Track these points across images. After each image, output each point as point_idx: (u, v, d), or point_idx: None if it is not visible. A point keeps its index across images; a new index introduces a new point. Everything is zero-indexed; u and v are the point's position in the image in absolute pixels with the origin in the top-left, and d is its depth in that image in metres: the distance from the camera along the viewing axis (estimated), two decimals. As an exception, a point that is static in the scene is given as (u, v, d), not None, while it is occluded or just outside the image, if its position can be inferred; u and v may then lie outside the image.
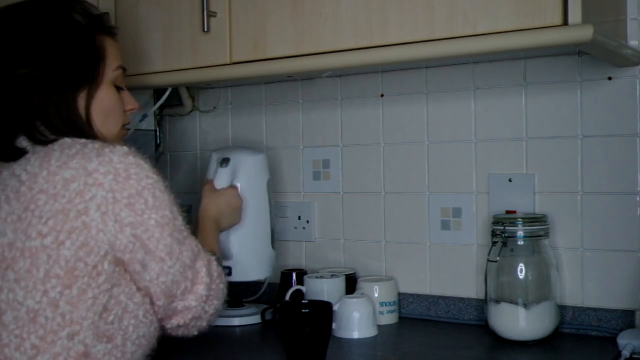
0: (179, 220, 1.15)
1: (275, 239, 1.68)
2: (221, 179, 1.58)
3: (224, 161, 1.60)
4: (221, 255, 1.44)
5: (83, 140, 1.12)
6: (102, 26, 1.22)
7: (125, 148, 1.11)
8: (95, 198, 1.06)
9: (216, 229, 1.49)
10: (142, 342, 1.16)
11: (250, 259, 1.62)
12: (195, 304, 1.19)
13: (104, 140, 1.18)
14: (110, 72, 1.22)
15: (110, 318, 1.09)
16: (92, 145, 1.10)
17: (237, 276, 1.60)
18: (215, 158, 1.65)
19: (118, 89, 1.24)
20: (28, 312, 1.05)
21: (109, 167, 1.07)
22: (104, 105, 1.20)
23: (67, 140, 1.12)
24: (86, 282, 1.06)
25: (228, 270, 1.56)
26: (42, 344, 1.04)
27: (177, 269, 1.14)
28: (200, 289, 1.19)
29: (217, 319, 1.31)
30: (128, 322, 1.12)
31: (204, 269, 1.20)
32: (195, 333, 1.25)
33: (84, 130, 1.16)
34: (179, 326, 1.21)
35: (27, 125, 1.14)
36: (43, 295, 1.05)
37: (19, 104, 1.13)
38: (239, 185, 1.59)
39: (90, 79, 1.18)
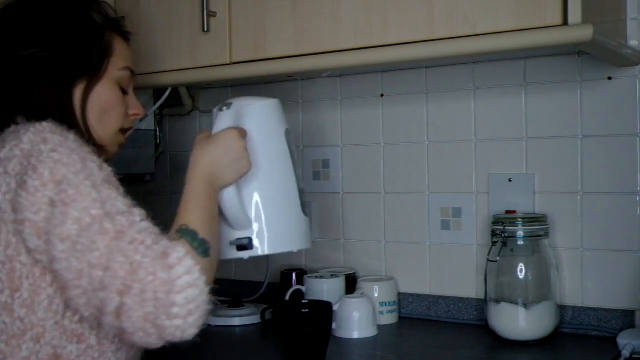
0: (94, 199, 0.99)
1: (305, 203, 1.30)
2: (221, 124, 1.22)
3: (225, 105, 1.25)
4: (207, 226, 1.08)
5: (26, 125, 1.06)
6: (116, 26, 1.22)
7: (44, 125, 1.04)
8: (2, 187, 1.00)
9: (211, 188, 1.14)
10: (126, 340, 1.08)
11: (275, 224, 1.25)
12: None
13: (98, 139, 1.16)
14: (115, 70, 1.19)
15: (77, 317, 1.02)
16: (21, 129, 1.04)
17: (261, 248, 1.23)
18: (215, 110, 1.30)
19: (124, 91, 1.22)
20: None
21: (16, 151, 1.01)
22: (103, 102, 1.17)
23: (16, 127, 1.07)
24: (32, 283, 1.01)
25: (248, 241, 1.22)
26: (8, 348, 1.01)
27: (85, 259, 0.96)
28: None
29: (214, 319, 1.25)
30: None
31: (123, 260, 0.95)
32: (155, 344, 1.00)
33: (68, 118, 1.12)
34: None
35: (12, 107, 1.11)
36: None
37: (16, 84, 1.11)
38: (245, 129, 1.23)
39: (92, 72, 1.16)
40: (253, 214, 1.22)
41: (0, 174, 1.01)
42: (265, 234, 1.23)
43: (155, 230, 1.00)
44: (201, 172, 1.13)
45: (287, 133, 1.29)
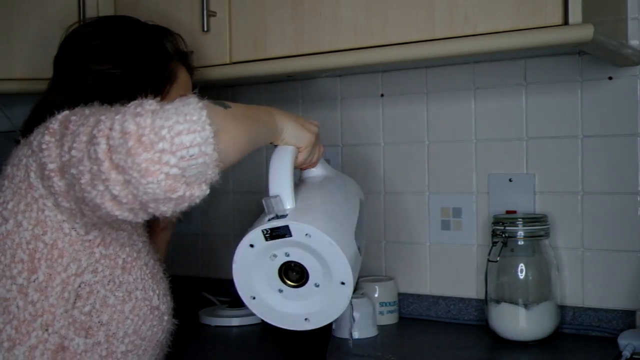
0: None
1: (360, 252, 1.12)
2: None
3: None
4: (242, 117, 0.98)
5: None
6: (183, 58, 1.33)
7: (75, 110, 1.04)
8: (32, 166, 1.02)
9: (269, 117, 1.09)
10: (138, 343, 1.12)
11: (315, 223, 1.02)
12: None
13: None
14: (176, 96, 1.20)
15: (87, 309, 1.06)
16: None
17: (293, 232, 1.01)
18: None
19: None
20: (0, 301, 1.03)
21: (42, 128, 1.01)
22: None
23: None
24: (49, 265, 1.03)
25: (283, 220, 1.02)
26: (17, 335, 1.03)
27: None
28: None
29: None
30: (110, 316, 1.08)
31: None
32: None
33: None
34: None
35: None
36: (12, 283, 1.03)
37: (82, 95, 1.16)
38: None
39: (155, 93, 1.15)
40: (299, 202, 1.06)
41: (29, 155, 1.03)
42: (303, 222, 1.01)
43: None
44: (269, 108, 1.11)
45: (361, 203, 1.25)
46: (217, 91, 2.01)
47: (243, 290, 1.08)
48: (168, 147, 0.84)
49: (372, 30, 1.34)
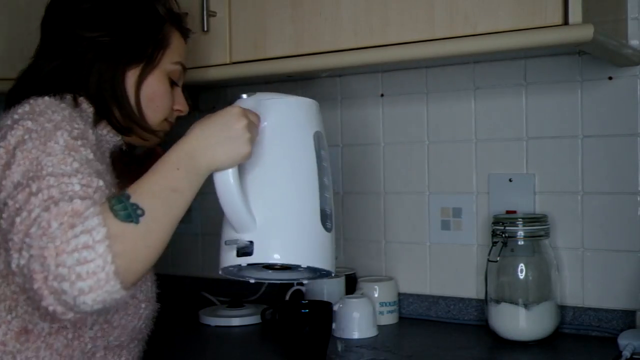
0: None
1: (329, 220, 1.14)
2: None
3: (248, 93, 1.15)
4: (164, 206, 0.96)
5: (34, 99, 1.07)
6: (177, 21, 1.24)
7: (45, 99, 1.05)
8: None
9: (187, 161, 1.01)
10: (109, 330, 1.10)
11: (285, 231, 1.08)
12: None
13: (147, 120, 1.18)
14: (168, 63, 1.21)
15: None
16: (30, 101, 1.05)
17: (263, 255, 1.06)
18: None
19: (173, 84, 1.23)
20: None
21: (8, 120, 1.02)
22: (151, 92, 1.19)
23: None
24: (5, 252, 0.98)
25: (248, 244, 1.06)
26: None
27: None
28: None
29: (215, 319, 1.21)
30: None
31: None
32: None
33: (120, 100, 1.15)
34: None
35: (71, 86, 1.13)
36: None
37: (73, 63, 1.14)
38: (264, 122, 1.11)
39: (147, 60, 1.18)
40: (258, 216, 1.06)
41: None
42: (270, 239, 1.06)
43: (90, 194, 0.93)
44: (185, 144, 1.03)
45: (317, 136, 1.15)
46: (217, 91, 2.01)
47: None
48: (70, 294, 0.86)
49: (372, 30, 1.34)
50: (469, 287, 1.66)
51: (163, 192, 0.97)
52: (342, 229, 1.83)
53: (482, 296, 1.58)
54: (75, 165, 0.96)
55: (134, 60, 1.17)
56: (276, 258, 1.06)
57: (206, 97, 2.04)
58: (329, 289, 1.64)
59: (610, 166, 1.51)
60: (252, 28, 1.48)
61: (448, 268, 1.69)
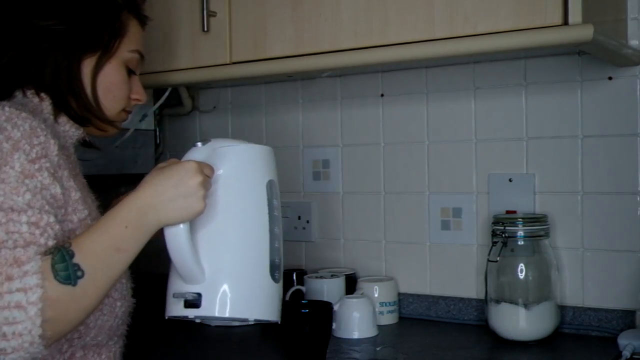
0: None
1: (277, 271, 1.12)
2: (189, 157, 1.08)
3: (202, 141, 1.12)
4: (107, 266, 0.97)
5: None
6: (134, 8, 1.21)
7: (6, 109, 1.01)
8: None
9: (136, 218, 0.99)
10: (84, 331, 1.06)
11: (233, 283, 1.07)
12: None
13: (105, 111, 1.16)
14: (126, 51, 1.19)
15: None
16: None
17: (210, 308, 1.05)
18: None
19: (130, 73, 1.22)
20: None
21: None
22: (108, 81, 1.16)
23: None
24: None
25: (196, 297, 1.05)
26: None
27: None
28: None
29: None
30: None
31: None
32: None
33: (77, 91, 1.13)
34: None
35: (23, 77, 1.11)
36: None
37: (28, 53, 1.11)
38: (218, 171, 1.09)
39: (103, 49, 1.15)
40: (207, 267, 1.05)
41: None
42: (219, 292, 1.05)
43: (36, 239, 0.92)
44: (136, 200, 1.00)
45: (270, 185, 1.13)
46: (217, 91, 2.01)
47: None
48: None
49: (372, 30, 1.34)
50: (469, 287, 1.66)
51: (106, 253, 0.97)
52: (342, 228, 1.83)
53: (482, 296, 1.58)
54: (28, 197, 0.95)
55: (90, 49, 1.13)
56: (224, 312, 1.05)
57: (206, 97, 2.04)
58: (329, 289, 1.64)
59: (610, 166, 1.51)
60: (252, 28, 1.48)
61: (448, 268, 1.69)
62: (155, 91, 1.97)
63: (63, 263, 0.91)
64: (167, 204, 1.01)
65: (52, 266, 0.90)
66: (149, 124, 2.02)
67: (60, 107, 1.13)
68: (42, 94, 1.12)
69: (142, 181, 1.03)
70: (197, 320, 1.11)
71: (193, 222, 1.04)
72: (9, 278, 0.87)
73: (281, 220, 1.15)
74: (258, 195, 1.11)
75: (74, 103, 1.13)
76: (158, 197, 1.01)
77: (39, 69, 1.11)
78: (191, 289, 1.05)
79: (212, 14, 1.49)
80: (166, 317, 1.11)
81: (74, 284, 0.91)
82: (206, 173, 1.05)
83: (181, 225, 1.02)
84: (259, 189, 1.11)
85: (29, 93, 1.11)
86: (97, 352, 1.12)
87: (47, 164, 1.00)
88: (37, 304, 0.87)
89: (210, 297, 1.05)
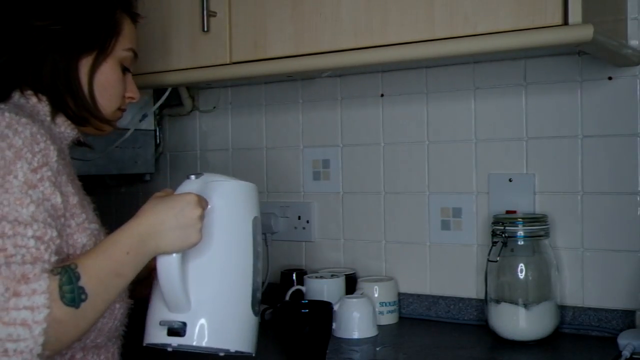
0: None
1: (258, 305, 1.17)
2: (184, 189, 1.10)
3: (195, 174, 1.14)
4: (106, 280, 0.99)
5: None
6: (127, 6, 1.22)
7: (5, 115, 1.00)
8: None
9: (138, 246, 1.02)
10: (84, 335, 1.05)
11: (217, 315, 1.10)
12: None
13: (102, 110, 1.16)
14: (121, 50, 1.19)
15: None
16: None
17: (194, 338, 1.08)
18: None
19: (125, 71, 1.22)
20: None
21: None
22: (105, 80, 1.17)
23: None
24: None
25: (181, 325, 1.07)
26: None
27: None
28: None
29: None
30: None
31: None
32: None
33: (75, 91, 1.13)
34: None
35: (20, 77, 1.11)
36: None
37: (25, 53, 1.11)
38: (211, 204, 1.11)
39: (100, 48, 1.16)
40: (193, 297, 1.08)
41: None
42: (203, 323, 1.08)
43: (42, 254, 0.94)
44: (138, 226, 1.02)
45: (255, 221, 1.16)
46: (217, 91, 2.01)
47: None
48: None
49: (372, 30, 1.34)
50: (469, 287, 1.66)
51: (108, 277, 0.99)
52: (342, 229, 1.83)
53: (482, 296, 1.58)
54: (31, 208, 0.96)
55: (87, 48, 1.14)
56: (206, 342, 1.08)
57: (206, 97, 2.04)
58: (329, 289, 1.64)
59: (610, 166, 1.51)
60: (252, 28, 1.48)
61: (448, 268, 1.69)
62: (155, 91, 1.97)
63: (70, 285, 0.93)
64: (167, 233, 1.03)
65: (60, 287, 0.92)
66: (149, 124, 2.02)
67: (58, 108, 1.13)
68: (40, 95, 1.11)
69: (142, 209, 1.05)
70: (170, 349, 1.12)
71: (184, 252, 1.06)
72: (17, 294, 0.88)
73: (262, 255, 1.19)
74: (245, 231, 1.14)
75: (72, 103, 1.13)
76: (159, 226, 1.03)
77: (36, 69, 1.11)
78: (175, 317, 1.08)
79: (212, 14, 1.49)
80: (144, 344, 1.11)
81: (77, 307, 0.93)
82: (202, 206, 1.07)
83: (174, 255, 1.04)
84: (246, 225, 1.15)
85: (27, 94, 1.11)
86: (96, 353, 1.12)
87: (49, 173, 1.00)
88: (42, 323, 0.88)
89: (194, 327, 1.08)
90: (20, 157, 0.98)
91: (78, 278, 0.94)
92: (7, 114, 1.01)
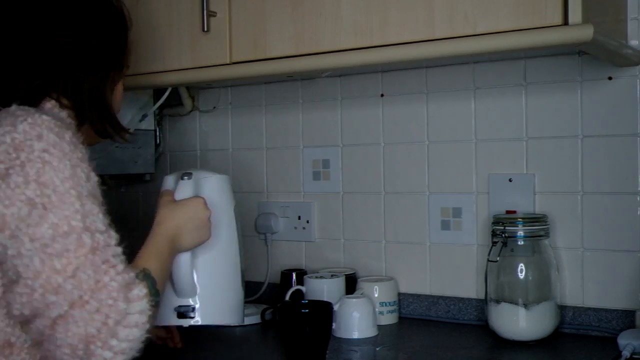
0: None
1: (244, 280, 1.40)
2: (183, 192, 1.29)
3: (186, 175, 1.33)
4: (161, 281, 1.12)
5: (25, 110, 1.03)
6: (131, 26, 1.25)
7: (43, 117, 1.00)
8: None
9: (171, 248, 1.18)
10: None
11: (219, 297, 1.34)
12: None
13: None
14: (126, 67, 1.25)
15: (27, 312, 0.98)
16: (19, 113, 1.01)
17: (201, 318, 1.31)
18: (170, 179, 1.38)
19: None
20: None
21: (7, 138, 0.98)
22: (118, 94, 1.23)
23: (16, 108, 1.05)
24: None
25: (191, 309, 1.30)
26: None
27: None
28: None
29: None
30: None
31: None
32: None
33: (108, 109, 1.17)
34: None
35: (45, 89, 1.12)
36: None
37: (48, 69, 1.11)
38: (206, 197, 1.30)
39: (119, 68, 1.21)
40: (200, 283, 1.30)
41: None
42: (208, 304, 1.31)
43: (124, 258, 1.01)
44: (166, 231, 1.18)
45: (235, 210, 1.38)
46: (217, 91, 2.01)
47: None
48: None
49: (372, 30, 1.34)
50: (468, 287, 1.66)
51: (164, 279, 1.14)
52: (342, 229, 1.83)
53: (482, 296, 1.58)
54: (101, 216, 1.01)
55: (113, 67, 1.18)
56: (215, 320, 1.32)
57: (206, 97, 2.04)
58: (329, 289, 1.64)
59: (610, 166, 1.51)
60: (252, 28, 1.48)
61: (448, 268, 1.69)
62: (155, 91, 1.97)
63: (153, 289, 1.03)
64: (187, 234, 1.22)
65: (149, 291, 1.01)
66: (149, 124, 2.02)
67: (83, 121, 1.15)
68: (68, 109, 1.13)
69: (161, 215, 1.21)
70: (185, 325, 1.31)
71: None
72: (130, 300, 0.96)
73: (242, 237, 1.41)
74: (231, 219, 1.37)
75: (96, 117, 1.16)
76: (181, 229, 1.21)
77: (63, 85, 1.12)
78: (184, 302, 1.30)
79: (212, 14, 1.49)
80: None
81: (157, 307, 1.05)
82: (209, 207, 1.26)
83: (189, 252, 1.25)
84: (230, 213, 1.37)
85: (53, 104, 1.11)
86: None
87: (92, 174, 1.04)
88: (147, 324, 0.98)
89: (201, 308, 1.30)
90: (76, 165, 1.01)
91: (155, 282, 1.05)
92: (44, 116, 1.01)
